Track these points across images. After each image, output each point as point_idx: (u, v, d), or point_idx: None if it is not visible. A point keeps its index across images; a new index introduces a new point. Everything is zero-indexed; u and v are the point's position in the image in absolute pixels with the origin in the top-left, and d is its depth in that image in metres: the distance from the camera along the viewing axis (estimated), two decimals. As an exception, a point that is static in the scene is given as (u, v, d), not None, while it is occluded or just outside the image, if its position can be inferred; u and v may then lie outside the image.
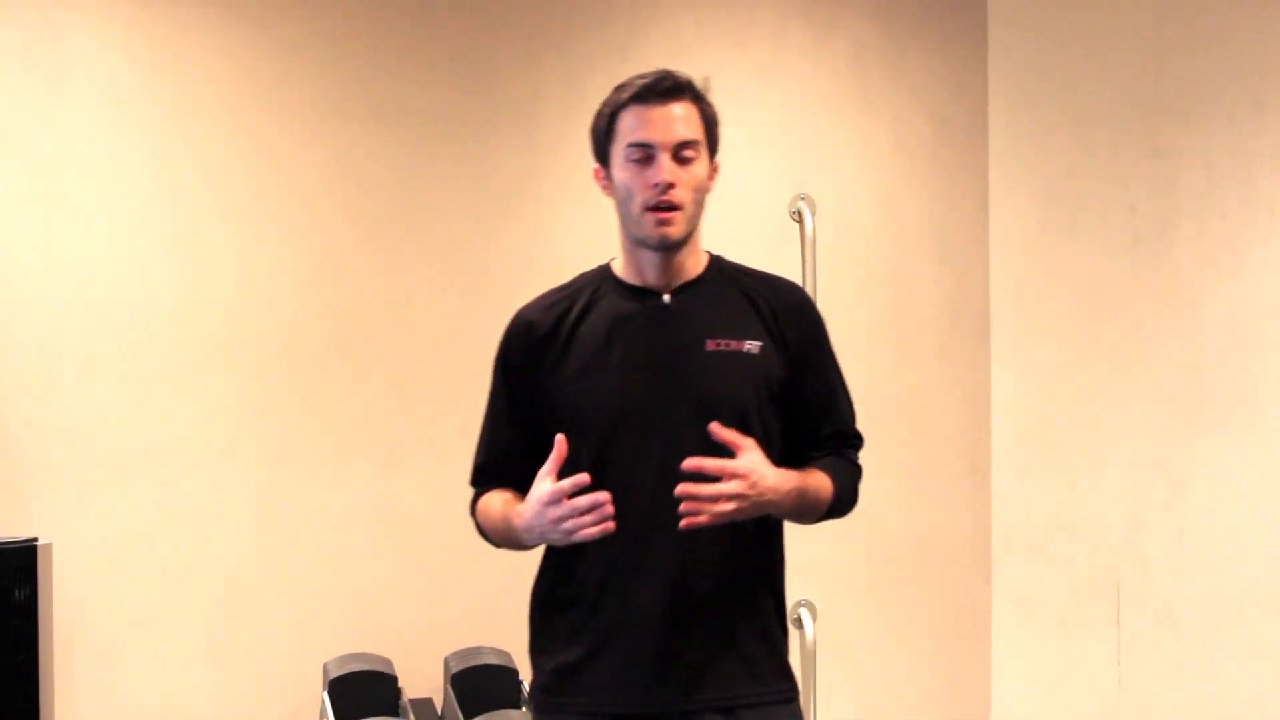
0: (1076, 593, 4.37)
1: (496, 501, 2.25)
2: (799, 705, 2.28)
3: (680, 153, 2.18)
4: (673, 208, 2.16)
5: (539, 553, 2.26)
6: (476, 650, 3.86)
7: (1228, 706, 3.98)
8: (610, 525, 2.04)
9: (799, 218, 4.39)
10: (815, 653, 4.34)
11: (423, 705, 3.84)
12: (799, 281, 4.32)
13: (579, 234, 4.06)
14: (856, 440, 2.39)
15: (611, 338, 2.22)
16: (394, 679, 3.81)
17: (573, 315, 2.25)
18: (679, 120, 2.18)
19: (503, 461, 2.29)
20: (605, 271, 2.31)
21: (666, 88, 2.18)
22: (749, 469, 2.07)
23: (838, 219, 4.46)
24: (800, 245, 4.38)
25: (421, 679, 3.94)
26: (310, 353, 3.95)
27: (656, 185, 2.15)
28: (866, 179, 4.53)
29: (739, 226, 4.38)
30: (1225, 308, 4.01)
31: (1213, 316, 4.04)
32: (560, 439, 2.09)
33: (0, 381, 3.65)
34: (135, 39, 3.82)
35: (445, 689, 3.83)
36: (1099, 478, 4.32)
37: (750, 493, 2.06)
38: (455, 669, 3.80)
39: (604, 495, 2.04)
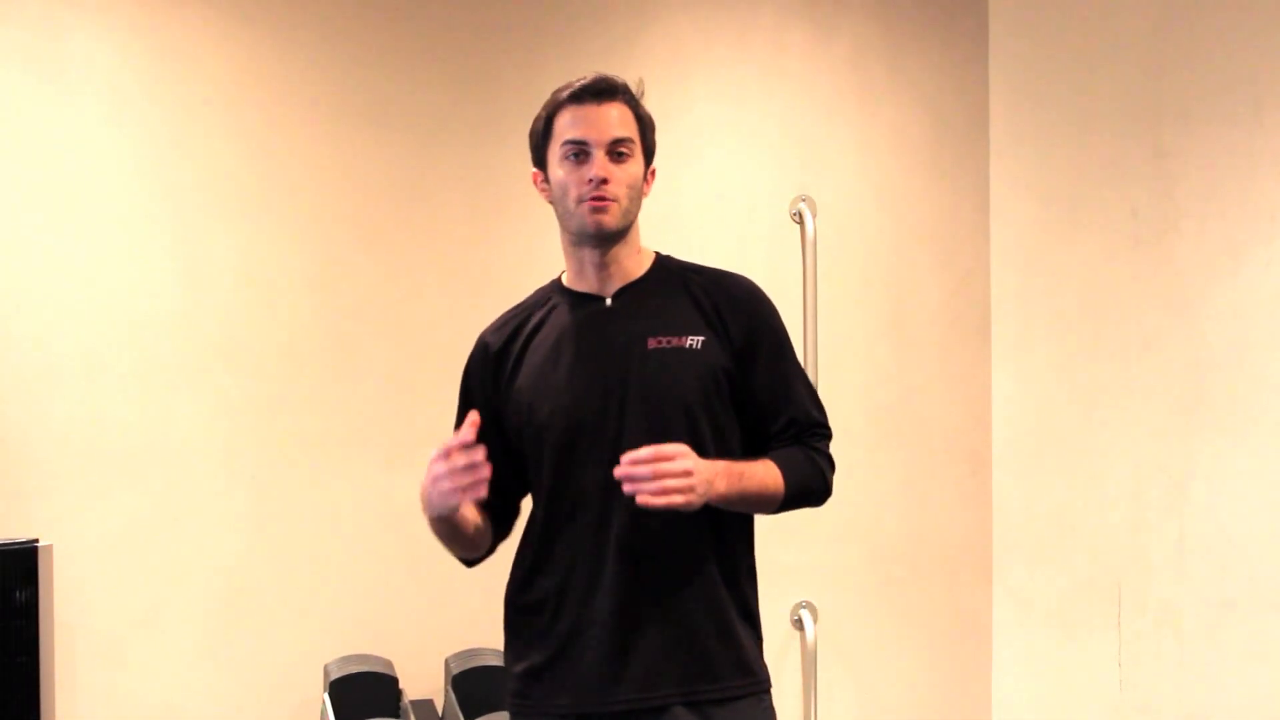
0: (1077, 593, 4.37)
1: None
2: (769, 699, 2.30)
3: (615, 149, 2.23)
4: (608, 199, 2.21)
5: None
6: (478, 651, 3.86)
7: (1229, 707, 3.98)
8: (481, 491, 2.09)
9: (800, 219, 4.40)
10: (815, 653, 4.35)
11: (424, 706, 3.84)
12: (800, 283, 4.34)
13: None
14: (820, 429, 2.35)
15: (559, 346, 2.28)
16: (395, 680, 3.81)
17: (526, 330, 2.33)
18: (613, 120, 2.25)
19: None
20: (556, 284, 2.37)
21: (601, 89, 2.26)
22: (683, 449, 2.09)
23: (838, 220, 4.46)
24: (801, 247, 4.39)
25: (422, 680, 3.94)
26: (311, 353, 3.95)
27: (591, 180, 2.22)
28: (867, 180, 4.53)
29: (739, 228, 4.39)
30: (1226, 309, 4.01)
31: (1214, 318, 4.04)
32: (473, 414, 2.12)
33: (0, 382, 3.65)
34: (135, 40, 3.81)
35: (446, 690, 3.83)
36: (1100, 478, 4.33)
37: (693, 469, 2.08)
38: (456, 670, 3.80)
39: (478, 453, 2.08)
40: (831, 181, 4.46)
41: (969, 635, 4.57)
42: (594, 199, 2.21)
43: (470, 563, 2.38)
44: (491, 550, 2.37)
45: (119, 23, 3.80)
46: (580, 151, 2.23)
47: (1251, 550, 3.94)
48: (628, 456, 2.07)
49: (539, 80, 4.14)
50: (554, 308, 2.32)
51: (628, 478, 2.06)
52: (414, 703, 3.83)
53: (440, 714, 3.87)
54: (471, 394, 2.34)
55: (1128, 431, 4.25)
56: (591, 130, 2.23)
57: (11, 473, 3.65)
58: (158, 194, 3.82)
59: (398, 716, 3.75)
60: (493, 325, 2.38)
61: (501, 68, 4.15)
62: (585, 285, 2.31)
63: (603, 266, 2.29)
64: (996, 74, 4.64)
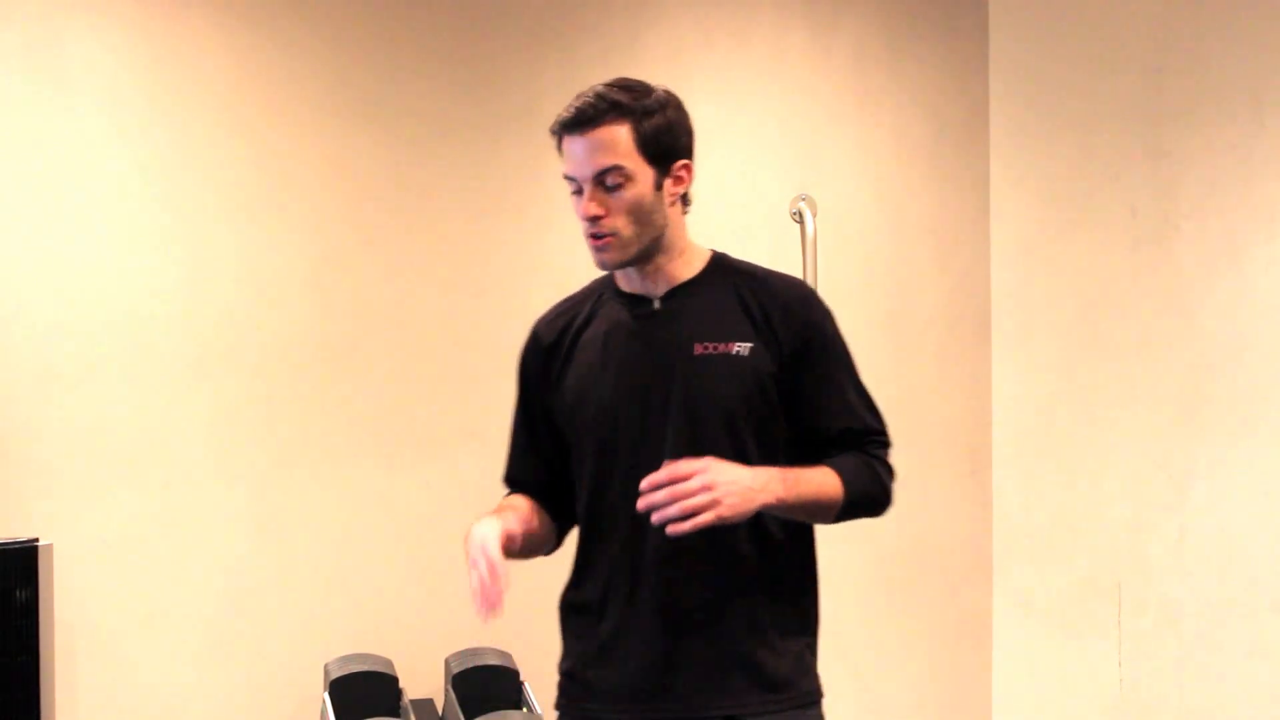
0: (1078, 593, 4.37)
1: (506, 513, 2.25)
2: (820, 710, 2.21)
3: (603, 181, 2.15)
4: (604, 235, 2.16)
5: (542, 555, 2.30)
6: (477, 651, 3.86)
7: (1229, 707, 3.98)
8: (497, 611, 2.06)
9: (800, 218, 4.40)
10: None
11: (424, 706, 3.84)
12: (800, 282, 4.34)
13: (580, 235, 4.06)
14: (879, 437, 2.27)
15: (607, 346, 2.23)
16: (395, 679, 3.81)
17: (575, 325, 2.27)
18: (598, 149, 2.14)
19: (522, 469, 2.32)
20: (608, 279, 2.32)
21: (582, 117, 2.15)
22: (701, 465, 2.01)
23: (838, 220, 4.46)
24: (801, 246, 4.38)
25: (422, 679, 3.94)
26: (311, 353, 3.95)
27: (585, 219, 2.16)
28: (867, 180, 4.53)
29: (740, 227, 4.39)
30: (1226, 308, 4.01)
31: (1213, 317, 4.04)
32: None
33: (1, 382, 3.65)
34: (135, 42, 3.81)
35: (446, 689, 3.83)
36: (1100, 478, 4.33)
37: (715, 481, 2.00)
38: (456, 669, 3.80)
39: (494, 588, 2.06)
40: (831, 181, 4.46)
41: (969, 635, 4.57)
42: (592, 237, 2.18)
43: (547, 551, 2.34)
44: (559, 544, 2.32)
45: (119, 24, 3.80)
46: (576, 187, 2.17)
47: (1251, 550, 3.94)
48: (645, 482, 1.99)
49: (539, 80, 4.18)
50: (603, 304, 2.27)
51: (648, 506, 1.98)
52: (414, 702, 3.83)
53: (440, 713, 3.87)
54: (524, 384, 2.32)
55: (1128, 431, 4.25)
56: (575, 166, 2.15)
57: (11, 473, 3.65)
58: (157, 194, 3.82)
59: (398, 716, 3.75)
60: (545, 316, 2.32)
61: (501, 68, 4.15)
62: (633, 287, 2.26)
63: (645, 275, 2.24)
64: (996, 74, 4.64)
